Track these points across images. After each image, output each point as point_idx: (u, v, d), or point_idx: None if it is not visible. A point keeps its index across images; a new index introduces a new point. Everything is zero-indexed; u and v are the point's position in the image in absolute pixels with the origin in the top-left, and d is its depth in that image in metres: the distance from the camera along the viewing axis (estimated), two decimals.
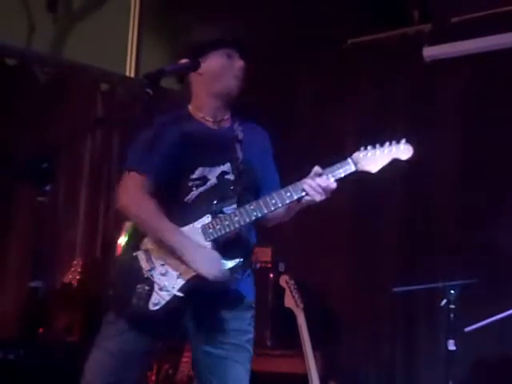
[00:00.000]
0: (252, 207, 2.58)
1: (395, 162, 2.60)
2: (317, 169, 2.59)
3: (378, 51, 5.15)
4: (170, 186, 2.68)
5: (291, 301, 4.30)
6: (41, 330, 4.30)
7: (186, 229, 2.61)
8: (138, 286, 2.58)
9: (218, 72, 2.73)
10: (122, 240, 2.73)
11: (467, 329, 3.51)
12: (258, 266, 4.60)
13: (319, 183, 2.56)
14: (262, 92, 5.08)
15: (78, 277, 4.44)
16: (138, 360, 2.69)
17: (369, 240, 4.99)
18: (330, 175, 2.57)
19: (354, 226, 5.05)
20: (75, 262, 4.51)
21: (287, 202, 2.59)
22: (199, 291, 2.57)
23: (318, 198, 2.57)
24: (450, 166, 4.80)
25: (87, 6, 5.63)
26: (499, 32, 4.63)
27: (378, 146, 2.59)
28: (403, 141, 2.58)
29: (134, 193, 2.68)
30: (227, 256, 2.59)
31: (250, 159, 2.75)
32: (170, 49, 5.58)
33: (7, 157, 4.43)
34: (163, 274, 2.59)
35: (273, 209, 2.59)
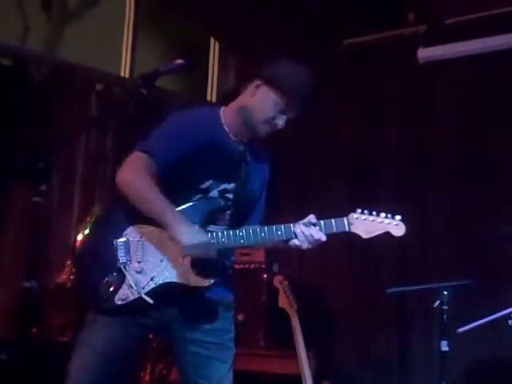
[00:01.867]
0: (241, 234, 2.60)
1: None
2: (312, 217, 2.61)
3: (372, 52, 5.16)
4: (173, 187, 2.63)
5: (285, 301, 4.30)
6: (34, 329, 4.29)
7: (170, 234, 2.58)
8: (109, 276, 2.56)
9: (259, 109, 2.67)
10: (88, 227, 2.67)
11: (460, 330, 3.51)
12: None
13: (312, 233, 2.59)
14: None
15: (71, 277, 4.43)
16: (122, 359, 2.66)
17: (363, 241, 4.99)
18: (322, 227, 2.60)
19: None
20: (69, 263, 4.50)
21: (275, 239, 2.62)
22: (169, 298, 2.58)
23: (306, 246, 2.61)
24: (445, 166, 4.82)
25: (82, 6, 5.61)
26: (494, 34, 4.65)
27: (374, 213, 2.62)
28: (398, 217, 2.62)
29: (137, 169, 2.60)
30: (203, 274, 2.57)
31: (254, 188, 2.76)
32: (165, 49, 5.59)
33: (2, 157, 4.43)
34: (138, 272, 2.58)
35: (260, 242, 2.62)
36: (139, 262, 2.60)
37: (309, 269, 5.03)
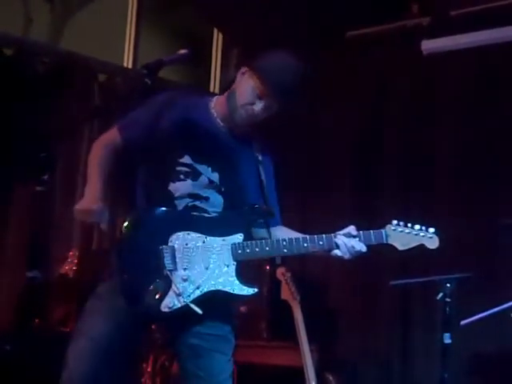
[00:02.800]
0: (284, 243, 2.62)
1: None
2: (352, 229, 2.66)
3: (376, 44, 5.14)
4: (157, 163, 2.70)
5: (288, 293, 4.29)
6: (36, 320, 4.29)
7: (216, 240, 2.60)
8: (155, 283, 2.54)
9: (238, 94, 2.69)
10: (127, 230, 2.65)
11: (463, 322, 3.51)
12: None
13: (353, 245, 2.64)
14: None
15: (74, 268, 4.42)
16: (120, 349, 2.63)
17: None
18: (362, 239, 2.65)
19: (351, 219, 5.04)
20: (71, 253, 4.50)
21: (316, 249, 2.66)
22: (203, 305, 2.58)
23: (348, 256, 2.65)
24: (448, 158, 4.81)
25: None
26: (498, 25, 4.63)
27: (409, 225, 2.68)
28: (432, 230, 2.69)
29: (97, 141, 2.80)
30: (247, 282, 2.62)
31: (243, 178, 2.73)
32: (168, 39, 5.57)
33: (5, 147, 4.43)
34: (184, 280, 2.57)
35: (302, 252, 2.65)
36: (185, 270, 2.58)
37: (312, 261, 5.02)
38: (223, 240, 2.61)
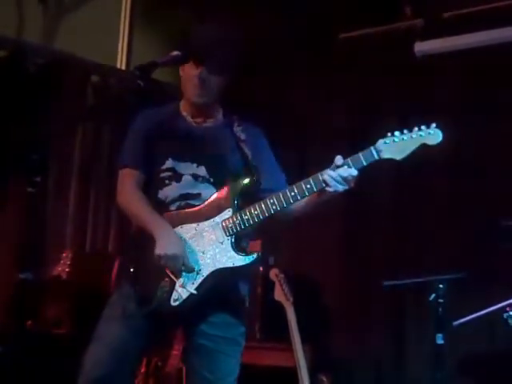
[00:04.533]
0: (271, 200, 2.59)
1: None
2: (337, 158, 2.55)
3: (369, 46, 5.15)
4: (149, 178, 2.76)
5: (281, 294, 4.30)
6: (29, 322, 4.28)
7: (206, 223, 2.64)
8: (165, 279, 2.60)
9: (182, 83, 2.79)
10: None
11: (455, 323, 3.52)
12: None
13: (340, 173, 2.53)
14: (255, 86, 5.11)
15: (67, 269, 4.42)
16: (133, 352, 2.69)
17: (359, 234, 5.01)
18: (350, 164, 2.53)
19: (345, 220, 5.06)
20: (64, 255, 4.50)
21: (307, 194, 2.58)
22: (211, 290, 2.60)
23: (341, 188, 2.54)
24: (441, 161, 4.81)
25: None
26: (491, 27, 4.64)
27: (405, 131, 2.54)
28: (433, 125, 2.54)
29: (123, 188, 2.77)
30: (244, 251, 2.63)
31: (230, 165, 2.74)
32: (162, 41, 5.57)
33: None
34: (185, 271, 2.61)
35: (292, 201, 2.59)
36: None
37: (305, 261, 5.03)
38: (213, 221, 2.64)
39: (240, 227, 2.62)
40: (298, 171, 2.72)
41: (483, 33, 4.67)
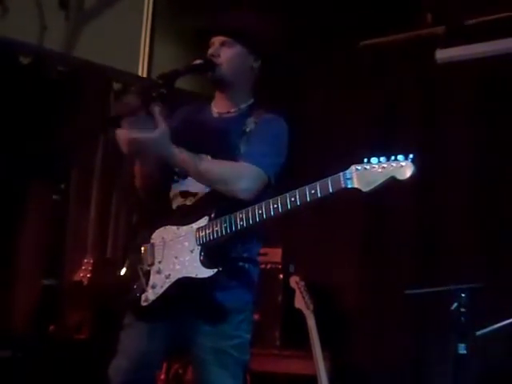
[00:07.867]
0: (241, 216, 2.47)
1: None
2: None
3: (390, 53, 5.14)
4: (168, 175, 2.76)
5: (301, 302, 4.29)
6: (52, 327, 4.31)
7: (184, 228, 2.60)
8: (140, 280, 2.64)
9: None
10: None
11: (479, 332, 3.49)
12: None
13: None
14: (274, 92, 5.07)
15: (88, 275, 4.46)
16: (152, 359, 2.70)
17: (380, 242, 4.98)
18: (318, 191, 2.34)
19: (366, 228, 5.04)
20: (86, 261, 4.53)
21: (289, 207, 2.40)
22: (181, 299, 2.59)
23: None
24: (462, 168, 4.78)
25: (99, 4, 5.63)
26: None
27: (382, 159, 2.30)
28: (401, 157, 2.28)
29: None
30: (209, 264, 2.54)
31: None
32: (183, 49, 5.58)
33: (20, 156, 4.45)
34: (158, 272, 2.62)
35: (258, 220, 2.44)
36: (160, 263, 2.63)
37: (324, 269, 5.01)
38: (190, 227, 2.60)
39: (209, 238, 2.54)
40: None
41: (505, 40, 4.64)
